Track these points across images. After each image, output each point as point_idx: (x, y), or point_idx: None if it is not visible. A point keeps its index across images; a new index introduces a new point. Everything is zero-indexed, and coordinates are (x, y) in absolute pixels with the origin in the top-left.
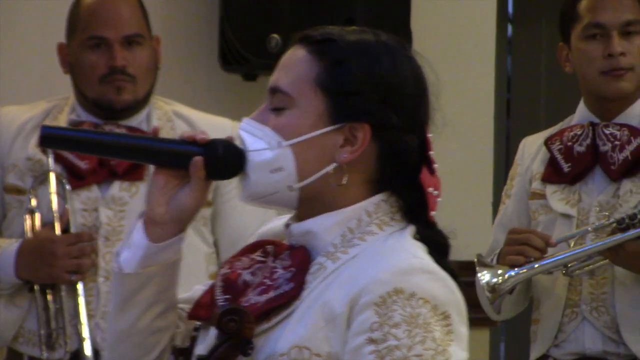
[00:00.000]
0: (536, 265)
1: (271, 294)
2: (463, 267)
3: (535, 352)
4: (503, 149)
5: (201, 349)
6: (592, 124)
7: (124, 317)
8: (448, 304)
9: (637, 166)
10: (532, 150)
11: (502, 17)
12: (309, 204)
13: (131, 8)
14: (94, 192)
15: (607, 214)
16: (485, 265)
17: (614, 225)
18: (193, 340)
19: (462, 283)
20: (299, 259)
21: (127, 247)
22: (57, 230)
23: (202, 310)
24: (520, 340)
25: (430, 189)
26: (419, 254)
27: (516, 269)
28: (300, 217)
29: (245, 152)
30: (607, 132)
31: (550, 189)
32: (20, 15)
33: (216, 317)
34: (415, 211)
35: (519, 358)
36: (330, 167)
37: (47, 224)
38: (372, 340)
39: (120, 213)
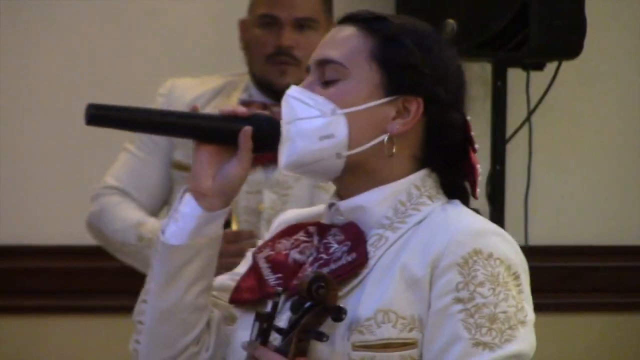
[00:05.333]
0: None
1: (332, 266)
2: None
3: None
4: None
5: (246, 334)
6: None
7: (170, 293)
8: (518, 265)
9: None
10: None
11: None
12: (353, 175)
13: None
14: (258, 174)
15: None
16: None
17: None
18: (275, 307)
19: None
20: (353, 233)
21: (173, 220)
22: None
23: (245, 293)
24: None
25: (478, 167)
26: (484, 218)
27: None
28: (342, 194)
29: (293, 120)
30: None
31: None
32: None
33: (305, 285)
34: (458, 189)
35: None
36: (383, 137)
37: None
38: (459, 300)
39: (284, 197)
